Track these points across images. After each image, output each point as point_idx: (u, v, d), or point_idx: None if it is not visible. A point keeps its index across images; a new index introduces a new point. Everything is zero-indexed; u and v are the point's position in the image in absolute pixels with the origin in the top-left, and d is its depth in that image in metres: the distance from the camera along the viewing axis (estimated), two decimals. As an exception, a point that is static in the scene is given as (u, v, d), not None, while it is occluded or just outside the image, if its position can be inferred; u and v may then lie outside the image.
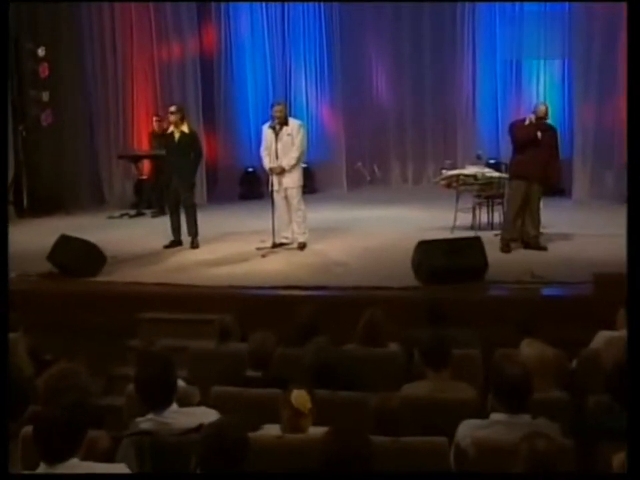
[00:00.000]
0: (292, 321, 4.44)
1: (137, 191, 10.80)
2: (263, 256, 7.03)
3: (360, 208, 9.71)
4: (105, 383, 4.62)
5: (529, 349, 3.61)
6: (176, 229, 7.75)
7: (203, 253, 7.38)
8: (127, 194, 11.14)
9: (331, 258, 7.01)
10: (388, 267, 6.46)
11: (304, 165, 11.81)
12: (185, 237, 7.71)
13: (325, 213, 9.24)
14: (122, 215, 10.02)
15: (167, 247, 7.65)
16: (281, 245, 7.27)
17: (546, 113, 6.72)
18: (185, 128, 7.58)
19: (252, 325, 4.53)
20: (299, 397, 2.98)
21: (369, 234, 7.96)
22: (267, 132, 7.27)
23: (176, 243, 7.73)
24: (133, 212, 10.15)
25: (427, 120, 12.06)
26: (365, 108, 12.28)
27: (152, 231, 8.55)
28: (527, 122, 6.65)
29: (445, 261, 5.87)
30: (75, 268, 6.50)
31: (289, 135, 7.16)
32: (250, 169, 11.55)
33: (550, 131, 6.73)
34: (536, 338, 3.77)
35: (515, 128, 6.77)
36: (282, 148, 7.17)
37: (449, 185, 8.41)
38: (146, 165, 10.76)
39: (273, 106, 7.38)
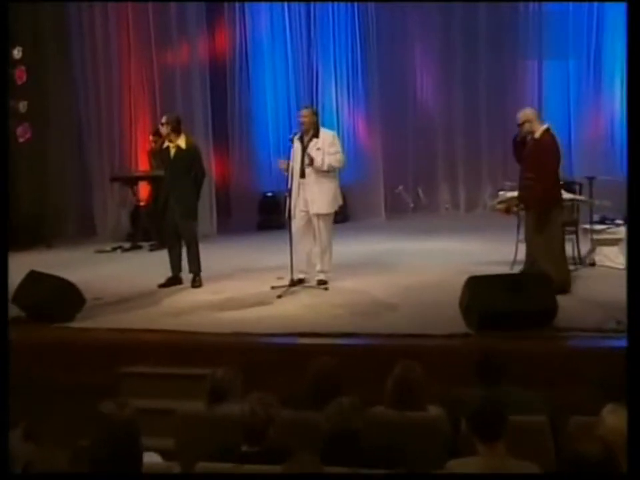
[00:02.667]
0: (306, 377, 4.30)
1: (134, 219, 10.81)
2: (279, 296, 6.94)
3: (400, 239, 9.76)
4: (70, 455, 4.34)
5: (613, 418, 3.33)
6: (175, 265, 7.70)
7: (205, 293, 7.34)
8: (122, 224, 11.18)
9: (362, 299, 6.91)
10: (431, 309, 6.38)
11: None
12: (186, 274, 7.67)
13: (358, 246, 9.30)
14: (114, 249, 10.06)
15: (162, 285, 7.58)
16: (300, 282, 7.22)
17: (523, 122, 6.63)
18: (181, 142, 7.52)
19: (258, 381, 4.49)
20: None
21: (410, 270, 7.94)
22: (295, 143, 7.21)
23: (174, 281, 7.67)
24: (127, 245, 10.18)
25: (483, 134, 11.97)
26: (407, 120, 12.28)
27: (148, 267, 8.57)
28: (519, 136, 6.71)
29: (503, 302, 5.66)
30: (45, 312, 6.40)
31: (318, 149, 7.12)
32: (269, 194, 11.54)
33: (531, 143, 6.64)
34: (622, 403, 3.40)
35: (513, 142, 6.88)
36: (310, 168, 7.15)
37: (508, 210, 8.10)
38: (144, 188, 10.79)
39: (299, 110, 7.47)
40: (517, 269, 7.15)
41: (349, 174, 12.01)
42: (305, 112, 7.30)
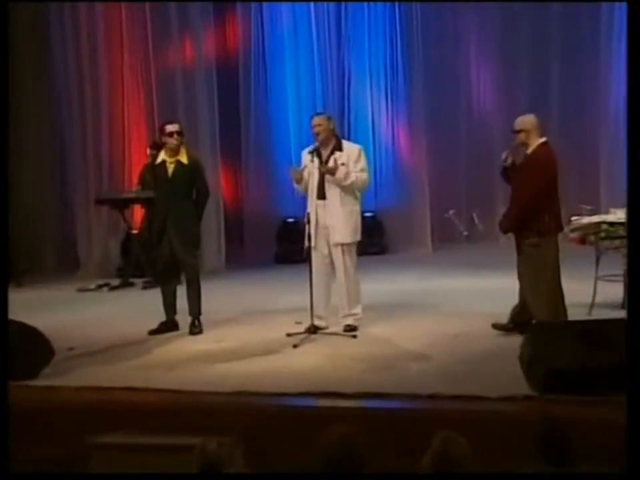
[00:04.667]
0: (319, 449, 4.09)
1: (125, 251, 10.86)
2: (295, 346, 6.92)
3: (448, 275, 9.81)
4: None
5: None
6: (170, 306, 7.71)
7: (205, 342, 7.33)
8: (111, 256, 11.24)
9: (395, 350, 6.85)
10: (482, 364, 6.26)
11: (368, 214, 12.19)
12: (184, 317, 7.65)
13: (395, 283, 9.43)
14: (99, 287, 10.11)
15: (153, 332, 7.57)
16: (308, 330, 7.23)
17: (519, 130, 6.78)
18: (182, 157, 7.56)
19: (263, 454, 4.52)
20: None
21: (458, 314, 7.89)
22: (305, 159, 7.35)
23: (168, 326, 7.67)
24: (116, 282, 10.25)
25: (554, 150, 11.96)
26: (459, 132, 12.41)
27: (139, 309, 8.64)
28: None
29: (577, 357, 5.48)
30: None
31: (343, 164, 7.19)
32: (290, 220, 11.67)
33: (522, 159, 6.85)
34: None
35: None
36: (330, 184, 7.22)
37: (583, 240, 8.05)
38: (138, 213, 10.78)
39: (311, 119, 7.42)
40: (598, 314, 7.17)
41: (387, 196, 12.31)
42: (317, 119, 7.29)
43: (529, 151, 6.76)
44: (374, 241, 12.00)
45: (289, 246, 11.43)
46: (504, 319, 7.16)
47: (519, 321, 6.86)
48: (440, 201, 11.96)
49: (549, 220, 6.75)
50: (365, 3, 12.23)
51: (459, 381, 5.90)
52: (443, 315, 7.90)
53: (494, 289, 8.69)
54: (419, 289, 9.08)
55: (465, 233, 12.04)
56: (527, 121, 6.83)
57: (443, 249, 11.84)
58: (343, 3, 12.22)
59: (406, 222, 12.15)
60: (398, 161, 12.37)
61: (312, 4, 12.20)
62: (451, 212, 12.01)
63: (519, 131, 6.76)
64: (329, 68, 12.18)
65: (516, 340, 6.02)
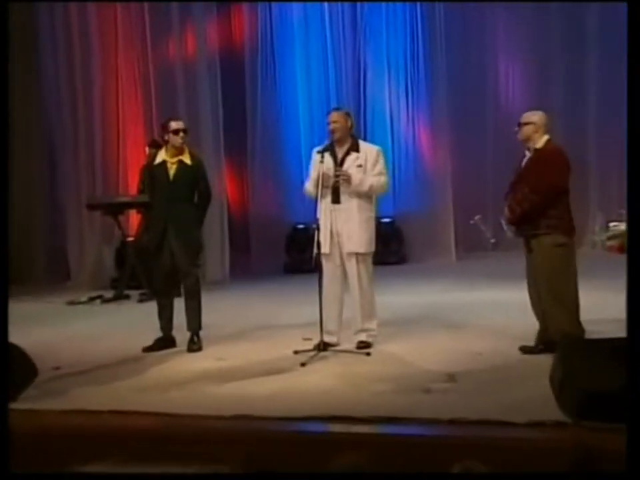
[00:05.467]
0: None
1: (120, 260, 10.89)
2: (303, 364, 6.90)
3: (473, 287, 9.90)
4: None
5: None
6: (167, 320, 7.74)
7: (205, 360, 7.32)
8: (105, 266, 11.27)
9: (413, 370, 6.80)
10: (508, 386, 6.19)
11: (386, 219, 12.21)
12: (182, 333, 7.67)
13: (414, 296, 9.49)
14: (91, 299, 10.12)
15: (148, 349, 7.58)
16: (318, 347, 7.24)
17: (525, 122, 6.88)
18: (186, 157, 7.59)
19: None
20: None
21: (483, 330, 7.94)
22: (315, 159, 7.33)
23: (164, 342, 7.69)
24: (109, 294, 10.27)
25: (590, 150, 12.19)
26: (486, 131, 12.50)
27: (135, 324, 8.70)
28: None
29: (614, 379, 5.30)
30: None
31: (360, 166, 7.21)
32: (301, 226, 11.74)
33: (531, 155, 6.96)
34: None
35: None
36: (345, 186, 7.21)
37: (623, 248, 7.90)
38: (134, 219, 10.82)
39: (328, 114, 7.42)
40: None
41: (407, 200, 12.38)
42: (335, 115, 7.26)
43: (539, 145, 6.86)
44: (392, 250, 12.10)
45: (299, 254, 11.55)
46: (531, 334, 7.13)
47: (547, 340, 6.82)
48: (465, 206, 12.00)
49: (571, 219, 6.88)
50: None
51: (483, 404, 5.80)
52: (466, 331, 7.91)
53: (523, 303, 8.38)
54: (441, 302, 9.09)
55: (492, 241, 11.93)
56: (536, 115, 6.95)
57: (468, 258, 11.94)
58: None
59: (427, 228, 12.25)
60: (418, 161, 12.47)
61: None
62: (477, 217, 11.87)
63: (527, 124, 6.87)
64: (343, 61, 12.30)
65: (546, 359, 5.99)
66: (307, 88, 12.38)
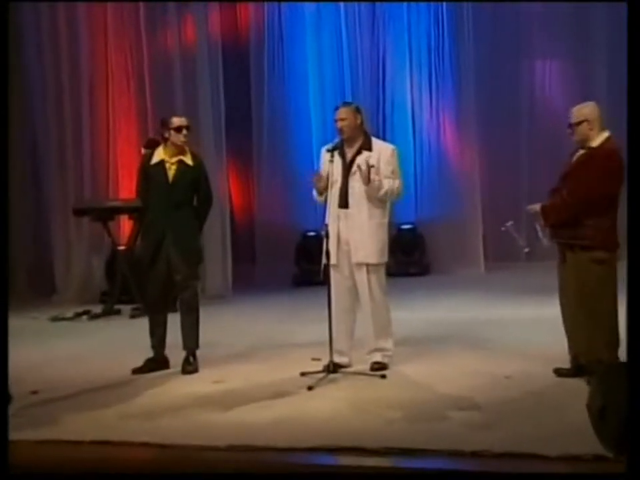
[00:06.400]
0: None
1: (110, 272, 10.87)
2: (310, 388, 6.89)
3: (503, 302, 9.92)
4: None
5: None
6: (159, 339, 7.73)
7: (201, 383, 7.28)
8: (94, 278, 11.26)
9: (432, 395, 6.76)
10: (541, 415, 6.11)
11: (407, 226, 12.12)
12: (176, 353, 7.64)
13: (437, 311, 9.49)
14: (78, 315, 10.11)
15: (138, 371, 7.56)
16: (327, 368, 7.23)
17: (580, 121, 6.66)
18: (187, 157, 7.61)
19: None
20: None
21: (515, 350, 7.90)
22: (324, 158, 7.36)
23: (156, 363, 7.67)
24: (98, 309, 10.26)
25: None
26: (520, 130, 12.53)
27: (124, 342, 8.73)
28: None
29: None
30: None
31: (372, 166, 7.20)
32: (311, 233, 11.68)
33: (582, 153, 6.75)
34: None
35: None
36: (355, 189, 7.18)
37: None
38: (126, 226, 10.81)
39: (335, 110, 7.41)
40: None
41: (430, 205, 12.44)
42: (342, 112, 7.24)
43: (595, 143, 6.66)
44: (413, 259, 12.14)
45: (309, 265, 11.49)
46: (568, 357, 7.07)
47: (584, 362, 6.73)
48: (495, 211, 11.98)
49: (615, 232, 6.67)
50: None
51: (511, 434, 5.75)
52: (493, 351, 7.89)
53: (559, 320, 8.22)
54: (466, 319, 9.09)
55: (526, 250, 11.86)
56: (589, 109, 6.76)
57: (499, 269, 11.91)
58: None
59: (453, 236, 12.22)
60: (443, 161, 12.47)
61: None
62: (509, 224, 11.84)
63: (580, 122, 6.66)
64: (359, 50, 12.27)
65: (584, 384, 5.97)
66: (318, 81, 12.34)
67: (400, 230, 12.27)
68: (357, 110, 7.32)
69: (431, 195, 12.36)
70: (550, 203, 6.87)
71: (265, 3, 12.23)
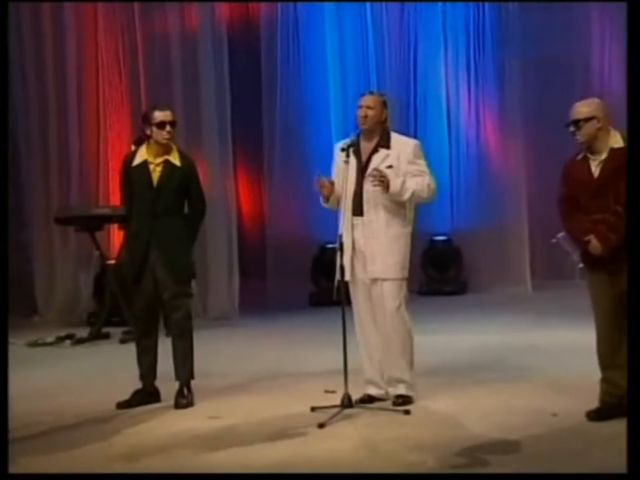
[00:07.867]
0: None
1: (99, 290, 10.91)
2: (321, 425, 6.83)
3: (553, 324, 10.00)
4: None
5: None
6: (148, 367, 7.75)
7: (196, 418, 7.27)
8: (80, 297, 11.31)
9: (462, 433, 6.69)
10: (589, 458, 6.05)
11: (441, 237, 12.00)
12: (169, 384, 7.60)
13: (477, 334, 9.56)
14: (60, 339, 10.13)
15: (124, 404, 7.56)
16: (362, 401, 7.21)
17: (589, 117, 6.64)
18: (174, 157, 7.57)
19: None
20: None
21: (562, 382, 7.83)
22: (338, 157, 7.37)
23: (145, 396, 7.67)
24: (84, 333, 10.25)
25: None
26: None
27: (111, 370, 8.80)
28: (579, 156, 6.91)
29: None
30: None
31: (390, 166, 7.14)
32: (330, 245, 11.68)
33: (607, 158, 6.67)
34: None
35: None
36: (370, 193, 7.14)
37: None
38: (117, 237, 10.82)
39: (361, 97, 7.38)
40: None
41: (468, 214, 12.41)
42: (369, 99, 7.19)
43: (616, 144, 6.60)
44: (449, 276, 12.11)
45: (327, 282, 11.29)
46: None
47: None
48: (543, 221, 11.86)
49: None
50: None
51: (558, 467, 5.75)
52: (537, 384, 7.81)
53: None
54: (506, 344, 9.10)
55: (580, 265, 11.80)
56: (597, 105, 6.74)
57: (547, 287, 11.93)
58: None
59: (494, 250, 12.18)
60: (484, 164, 12.45)
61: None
62: (560, 235, 11.78)
63: (587, 119, 6.61)
64: (386, 36, 12.23)
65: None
66: (340, 71, 12.30)
67: (433, 242, 12.30)
68: (385, 104, 7.26)
69: (468, 203, 12.34)
70: (606, 225, 6.63)
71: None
